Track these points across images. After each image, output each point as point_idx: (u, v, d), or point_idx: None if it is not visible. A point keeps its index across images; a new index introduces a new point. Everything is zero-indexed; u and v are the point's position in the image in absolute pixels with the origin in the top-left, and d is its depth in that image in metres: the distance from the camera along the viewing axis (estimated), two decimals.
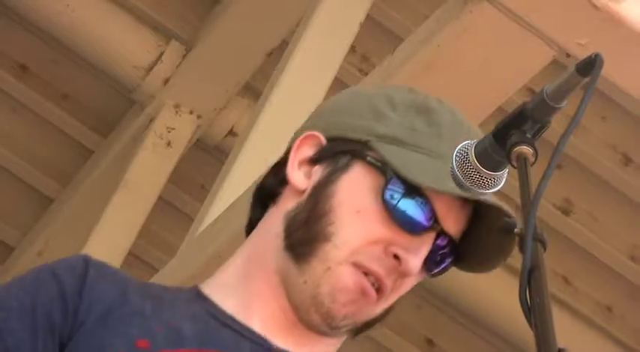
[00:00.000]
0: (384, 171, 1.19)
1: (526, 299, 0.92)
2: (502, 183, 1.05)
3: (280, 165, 1.28)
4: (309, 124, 1.31)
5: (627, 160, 4.80)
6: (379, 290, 1.18)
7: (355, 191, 1.21)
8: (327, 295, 1.17)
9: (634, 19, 2.79)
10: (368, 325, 1.24)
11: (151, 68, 4.91)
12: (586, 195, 5.01)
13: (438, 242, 1.20)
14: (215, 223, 3.48)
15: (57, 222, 5.33)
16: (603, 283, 5.21)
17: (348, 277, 1.17)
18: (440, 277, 1.29)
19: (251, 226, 1.30)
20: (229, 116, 5.03)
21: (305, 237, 1.20)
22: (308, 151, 1.26)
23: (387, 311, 1.24)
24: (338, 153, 1.24)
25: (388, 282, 1.18)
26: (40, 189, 5.51)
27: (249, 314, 1.21)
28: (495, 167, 1.02)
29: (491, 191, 1.05)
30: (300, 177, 1.24)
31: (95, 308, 1.16)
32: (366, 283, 1.17)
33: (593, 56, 0.96)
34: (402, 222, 1.18)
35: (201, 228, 3.63)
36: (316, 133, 1.26)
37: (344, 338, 1.26)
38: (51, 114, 5.30)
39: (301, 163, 1.25)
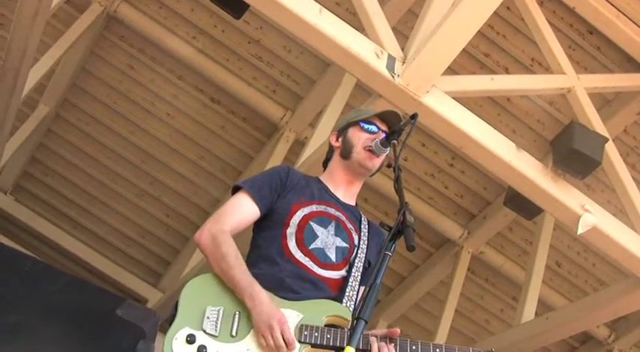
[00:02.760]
0: (357, 122, 3.78)
1: (398, 176, 3.32)
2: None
3: (328, 148, 3.91)
4: (334, 129, 4.01)
5: None
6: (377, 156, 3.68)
7: (354, 131, 3.77)
8: (360, 160, 3.69)
9: None
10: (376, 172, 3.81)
11: None
12: None
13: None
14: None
15: None
16: None
17: (365, 153, 3.67)
18: None
19: (325, 165, 3.91)
20: None
21: (346, 152, 3.73)
22: (333, 136, 3.87)
23: (381, 165, 3.75)
24: (342, 129, 3.84)
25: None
26: None
27: (335, 188, 3.74)
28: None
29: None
30: (336, 143, 3.82)
31: (290, 185, 3.61)
32: (372, 153, 3.66)
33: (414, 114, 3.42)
34: (369, 131, 3.73)
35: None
36: (334, 133, 3.89)
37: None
38: None
39: (334, 140, 3.85)
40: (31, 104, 8.62)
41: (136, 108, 8.71)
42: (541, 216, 7.47)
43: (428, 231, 8.52)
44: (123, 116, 8.80)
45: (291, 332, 3.16)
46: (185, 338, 3.11)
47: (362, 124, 3.77)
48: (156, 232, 9.75)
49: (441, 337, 7.97)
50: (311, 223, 3.53)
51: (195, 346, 3.10)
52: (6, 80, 6.39)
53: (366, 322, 2.79)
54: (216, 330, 3.16)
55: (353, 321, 2.84)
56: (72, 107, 8.93)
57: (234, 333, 3.17)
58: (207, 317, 3.19)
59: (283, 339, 3.12)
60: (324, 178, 3.81)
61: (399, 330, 3.27)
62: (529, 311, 7.04)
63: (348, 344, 2.74)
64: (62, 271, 2.96)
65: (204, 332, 3.15)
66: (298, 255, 3.44)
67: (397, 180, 3.27)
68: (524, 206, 7.08)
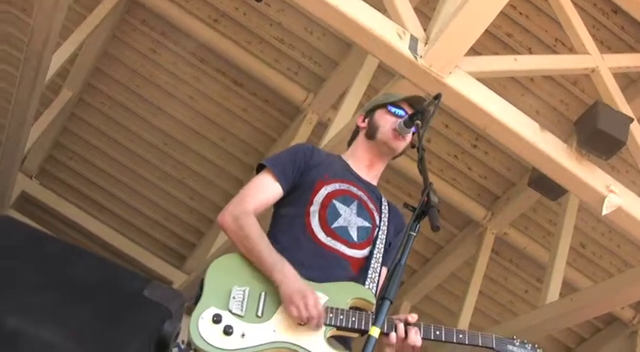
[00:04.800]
0: (385, 105, 3.79)
1: (422, 156, 3.30)
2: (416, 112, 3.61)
3: (354, 129, 3.94)
4: (361, 110, 4.04)
5: None
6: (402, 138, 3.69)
7: (381, 114, 3.78)
8: (385, 139, 3.70)
9: None
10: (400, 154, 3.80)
11: None
12: None
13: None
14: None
15: None
16: None
17: (390, 134, 3.67)
18: None
19: (349, 145, 3.91)
20: None
21: (372, 133, 3.75)
22: (360, 118, 3.89)
23: (404, 149, 3.75)
24: (370, 111, 3.86)
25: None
26: None
27: (358, 168, 3.74)
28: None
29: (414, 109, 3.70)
30: (362, 124, 3.85)
31: (313, 163, 3.60)
32: (398, 134, 3.66)
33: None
34: (396, 114, 3.72)
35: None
36: (361, 114, 3.93)
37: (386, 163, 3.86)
38: None
39: (361, 121, 3.87)
40: (54, 89, 8.67)
41: (159, 92, 8.74)
42: (565, 197, 7.44)
43: (451, 212, 8.50)
44: (145, 99, 8.84)
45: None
46: (211, 317, 3.12)
47: (389, 107, 3.78)
48: (180, 214, 9.80)
49: (465, 318, 7.98)
50: (334, 201, 3.53)
51: (221, 326, 3.11)
52: (29, 65, 6.42)
53: (391, 302, 2.79)
54: (242, 310, 3.16)
55: (378, 301, 2.83)
56: (95, 91, 8.98)
57: (259, 313, 3.17)
58: (233, 297, 3.19)
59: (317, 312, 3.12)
60: (347, 156, 3.82)
61: (416, 315, 3.24)
62: (553, 292, 7.02)
63: (374, 324, 2.74)
64: (89, 252, 2.98)
65: (230, 312, 3.15)
66: (321, 234, 3.44)
67: (421, 161, 3.27)
68: (548, 187, 7.05)
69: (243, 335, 3.11)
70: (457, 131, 8.07)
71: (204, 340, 3.07)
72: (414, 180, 8.10)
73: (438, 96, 3.36)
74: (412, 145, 3.66)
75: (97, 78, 8.84)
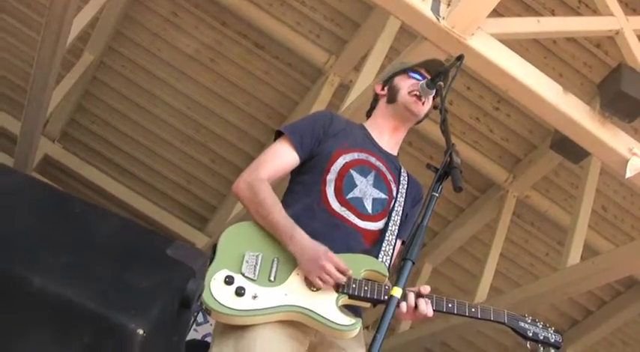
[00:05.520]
0: (403, 71, 3.85)
1: (444, 118, 3.27)
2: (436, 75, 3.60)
3: (373, 98, 3.96)
4: (379, 80, 4.05)
5: None
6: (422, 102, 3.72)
7: (400, 79, 3.82)
8: (406, 103, 3.73)
9: None
10: (422, 120, 3.86)
11: None
12: None
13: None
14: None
15: None
16: None
17: (411, 98, 3.71)
18: None
19: (368, 115, 3.93)
20: None
21: (392, 97, 3.79)
22: (379, 86, 3.92)
23: (425, 114, 3.81)
24: (388, 79, 3.90)
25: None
26: None
27: (379, 136, 3.75)
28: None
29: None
30: (382, 92, 3.88)
31: (332, 131, 3.59)
32: (418, 98, 3.70)
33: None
34: (415, 79, 3.77)
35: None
36: (379, 83, 3.95)
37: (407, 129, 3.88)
38: None
39: (379, 90, 3.90)
40: (75, 52, 8.68)
41: (180, 55, 8.73)
42: (587, 160, 7.40)
43: (473, 174, 8.49)
44: (167, 63, 8.83)
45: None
46: (224, 278, 3.14)
47: (409, 73, 3.78)
48: (202, 177, 9.84)
49: (486, 281, 7.99)
50: (351, 171, 3.52)
51: (233, 287, 3.13)
52: (50, 29, 6.42)
53: (414, 263, 2.79)
54: (254, 274, 3.18)
55: (400, 262, 2.84)
56: (116, 55, 8.98)
57: (272, 278, 3.19)
58: (247, 261, 3.21)
59: (338, 270, 3.14)
60: (368, 125, 3.81)
61: (428, 287, 3.26)
62: (574, 255, 7.01)
63: (395, 284, 2.75)
64: (112, 212, 3.00)
65: (243, 275, 3.17)
66: (335, 204, 3.43)
67: (443, 122, 3.24)
68: (570, 150, 7.01)
69: (254, 297, 3.13)
70: (479, 93, 8.03)
71: (216, 300, 3.10)
72: (435, 142, 8.10)
73: (460, 58, 3.33)
74: (435, 106, 3.66)
75: (118, 41, 8.84)
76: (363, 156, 3.60)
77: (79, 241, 2.85)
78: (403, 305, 3.16)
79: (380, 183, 3.57)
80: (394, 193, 3.61)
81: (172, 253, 2.92)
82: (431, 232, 9.11)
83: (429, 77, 3.65)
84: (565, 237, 7.42)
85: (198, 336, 8.39)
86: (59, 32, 6.45)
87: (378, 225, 3.51)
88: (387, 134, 3.75)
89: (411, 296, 3.20)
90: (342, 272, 3.15)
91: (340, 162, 3.53)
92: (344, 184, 3.47)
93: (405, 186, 3.68)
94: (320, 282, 3.13)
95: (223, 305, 3.10)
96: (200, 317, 8.63)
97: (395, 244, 3.50)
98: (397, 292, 2.72)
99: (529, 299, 7.41)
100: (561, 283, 7.06)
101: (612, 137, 5.48)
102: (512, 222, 8.45)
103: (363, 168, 3.56)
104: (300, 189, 3.53)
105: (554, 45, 7.45)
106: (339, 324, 3.14)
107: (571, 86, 6.99)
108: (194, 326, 8.48)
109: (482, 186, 8.75)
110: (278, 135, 3.62)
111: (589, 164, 7.51)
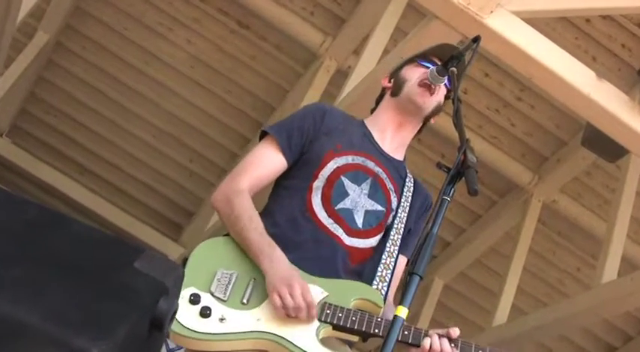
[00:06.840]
0: (414, 60, 3.80)
1: (457, 108, 3.10)
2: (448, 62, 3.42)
3: (380, 93, 3.92)
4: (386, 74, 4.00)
5: None
6: (431, 92, 3.64)
7: (408, 68, 3.77)
8: (410, 94, 3.65)
9: None
10: (431, 115, 3.75)
11: None
12: None
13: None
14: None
15: None
16: None
17: (418, 88, 3.63)
18: None
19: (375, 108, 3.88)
20: None
21: (397, 89, 3.72)
22: (385, 79, 3.88)
23: (435, 108, 3.72)
24: (396, 70, 3.84)
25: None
26: None
27: (381, 136, 3.68)
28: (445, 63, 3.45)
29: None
30: (388, 84, 3.83)
31: (324, 129, 3.54)
32: (426, 89, 3.62)
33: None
34: (426, 67, 3.67)
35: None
36: (387, 75, 3.92)
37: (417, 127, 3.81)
38: None
39: (386, 82, 3.86)
40: (27, 31, 8.69)
41: (151, 35, 8.74)
42: (625, 159, 7.43)
43: (491, 175, 8.52)
44: (136, 44, 8.84)
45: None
46: (188, 297, 3.14)
47: (419, 61, 3.76)
48: (177, 179, 9.85)
49: (507, 299, 8.01)
50: (342, 178, 3.48)
51: (198, 307, 3.13)
52: None
53: (421, 278, 2.76)
54: (224, 295, 3.18)
55: (406, 277, 2.83)
56: (76, 34, 8.99)
57: (245, 300, 3.18)
58: (218, 280, 3.21)
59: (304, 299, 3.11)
60: (369, 123, 3.76)
61: (458, 330, 3.15)
62: (611, 270, 7.03)
63: (401, 303, 2.74)
64: (72, 218, 3.00)
65: (212, 294, 3.17)
66: (321, 214, 3.41)
67: (456, 114, 3.19)
68: (605, 146, 7.04)
69: (222, 320, 3.13)
70: (499, 81, 8.06)
71: (177, 320, 3.07)
72: (447, 137, 8.08)
73: (476, 39, 3.30)
74: (447, 96, 3.65)
75: (78, 18, 8.85)
76: (358, 159, 3.56)
77: (33, 251, 2.86)
78: (427, 342, 3.09)
79: (377, 192, 3.53)
80: (393, 205, 3.58)
81: (141, 266, 2.91)
82: (442, 242, 9.13)
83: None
84: (599, 249, 7.44)
85: None
86: (8, 7, 6.45)
87: (370, 242, 3.48)
88: (389, 133, 3.71)
89: (436, 340, 3.10)
90: (308, 305, 3.13)
91: (331, 166, 3.50)
92: (333, 193, 3.45)
93: (410, 197, 3.65)
94: (278, 300, 3.12)
95: (184, 327, 3.09)
96: (172, 343, 8.63)
97: (394, 268, 3.47)
98: (402, 312, 2.68)
99: (558, 321, 7.44)
100: (595, 303, 7.08)
101: None
102: (536, 230, 8.47)
103: (358, 174, 3.52)
104: (285, 195, 3.52)
105: (587, 24, 7.48)
106: None
107: (607, 71, 7.01)
108: (165, 351, 8.49)
109: (502, 189, 8.79)
110: (263, 135, 3.62)
111: (627, 163, 7.53)
